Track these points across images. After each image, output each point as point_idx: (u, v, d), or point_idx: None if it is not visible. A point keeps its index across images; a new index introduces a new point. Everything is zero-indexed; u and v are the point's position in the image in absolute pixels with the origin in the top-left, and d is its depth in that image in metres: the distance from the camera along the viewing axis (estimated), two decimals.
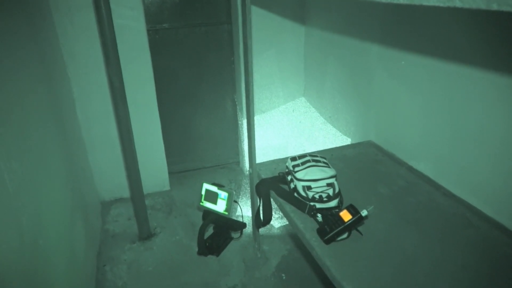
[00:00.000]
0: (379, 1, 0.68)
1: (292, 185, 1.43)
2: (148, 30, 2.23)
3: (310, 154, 1.50)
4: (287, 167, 1.51)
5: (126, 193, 2.53)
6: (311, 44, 2.41)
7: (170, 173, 2.64)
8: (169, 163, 2.60)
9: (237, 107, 2.74)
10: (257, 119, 2.57)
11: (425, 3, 0.58)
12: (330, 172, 1.36)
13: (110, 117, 2.26)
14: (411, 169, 1.62)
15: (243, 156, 2.76)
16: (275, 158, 1.81)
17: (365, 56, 1.84)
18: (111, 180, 2.46)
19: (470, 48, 1.27)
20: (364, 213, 1.16)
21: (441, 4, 0.55)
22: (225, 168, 2.90)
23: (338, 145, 1.95)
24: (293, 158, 1.49)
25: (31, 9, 1.61)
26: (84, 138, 2.27)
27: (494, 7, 0.47)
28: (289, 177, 1.47)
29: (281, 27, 2.42)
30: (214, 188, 1.88)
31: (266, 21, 2.37)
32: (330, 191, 1.31)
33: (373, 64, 1.78)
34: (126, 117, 1.85)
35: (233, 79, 2.68)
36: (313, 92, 2.51)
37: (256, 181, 1.65)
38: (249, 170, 1.87)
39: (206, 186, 1.90)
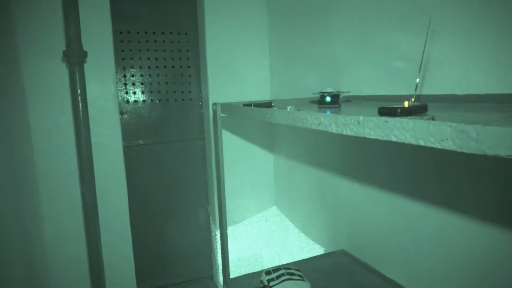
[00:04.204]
0: (337, 132, 0.79)
1: None
2: (124, 147, 2.33)
3: (285, 267, 1.49)
4: (261, 282, 1.48)
5: None
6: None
7: None
8: (138, 280, 2.46)
9: (210, 218, 2.74)
10: (230, 230, 2.57)
11: (364, 135, 0.69)
12: (305, 286, 1.35)
13: (80, 234, 2.19)
14: (383, 277, 1.62)
15: (217, 270, 2.66)
16: (250, 269, 1.78)
17: (329, 166, 1.97)
18: None
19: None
20: None
21: (380, 138, 0.66)
22: (197, 283, 2.76)
23: (312, 255, 1.95)
24: (268, 272, 1.47)
25: (10, 129, 1.68)
26: (49, 258, 2.16)
27: None
28: None
29: (252, 141, 2.60)
30: None
31: (237, 136, 2.55)
32: None
33: (337, 173, 1.90)
34: (96, 235, 1.81)
35: (206, 190, 2.74)
36: (284, 201, 2.58)
37: None
38: (223, 286, 1.81)
39: None
